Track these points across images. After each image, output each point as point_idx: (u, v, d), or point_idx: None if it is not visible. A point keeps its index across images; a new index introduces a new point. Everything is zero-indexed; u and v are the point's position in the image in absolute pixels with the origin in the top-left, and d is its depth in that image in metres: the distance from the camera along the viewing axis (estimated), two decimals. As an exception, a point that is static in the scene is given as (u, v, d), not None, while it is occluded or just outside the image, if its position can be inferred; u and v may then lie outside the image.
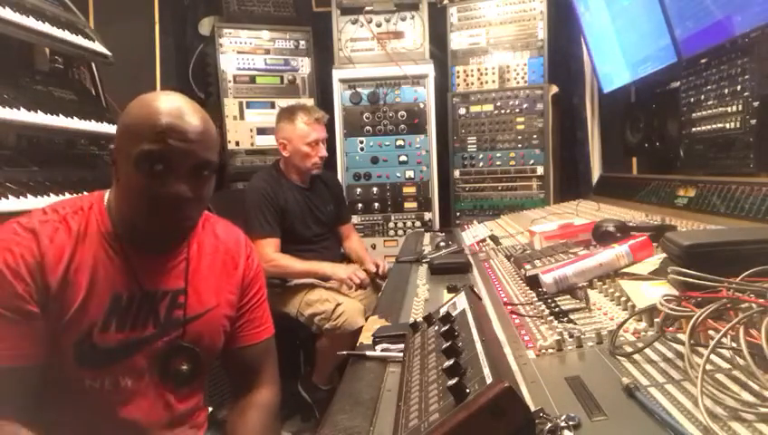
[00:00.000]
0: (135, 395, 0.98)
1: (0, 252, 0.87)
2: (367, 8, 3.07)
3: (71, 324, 0.91)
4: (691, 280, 0.83)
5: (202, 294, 1.06)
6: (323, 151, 2.37)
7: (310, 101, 3.20)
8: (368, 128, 3.12)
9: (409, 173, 3.12)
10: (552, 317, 0.98)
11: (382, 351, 0.95)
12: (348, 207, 2.84)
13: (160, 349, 1.00)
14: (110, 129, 1.96)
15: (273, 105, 3.19)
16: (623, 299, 0.98)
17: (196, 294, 1.05)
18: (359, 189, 3.10)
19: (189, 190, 0.92)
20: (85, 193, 1.67)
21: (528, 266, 1.29)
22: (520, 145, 3.00)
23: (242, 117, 3.18)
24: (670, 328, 0.77)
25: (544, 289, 1.13)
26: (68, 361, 0.92)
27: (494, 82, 3.03)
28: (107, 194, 1.02)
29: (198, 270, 1.06)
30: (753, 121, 1.58)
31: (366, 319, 1.80)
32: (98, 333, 0.93)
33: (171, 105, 0.92)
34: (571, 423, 0.58)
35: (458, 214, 3.12)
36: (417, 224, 3.07)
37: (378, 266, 2.39)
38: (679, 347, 0.73)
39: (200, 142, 0.92)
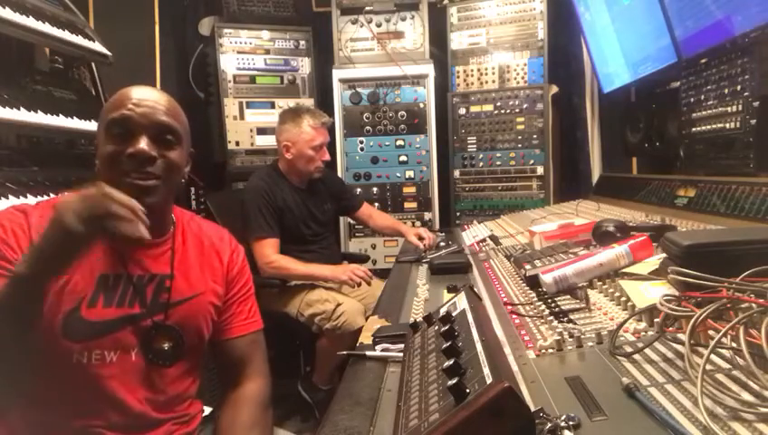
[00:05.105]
0: (121, 372, 1.00)
1: None
2: (367, 8, 3.07)
3: (59, 297, 0.95)
4: (691, 280, 0.83)
5: (189, 280, 1.11)
6: (327, 155, 2.37)
7: (310, 102, 3.20)
8: (368, 128, 3.12)
9: (409, 173, 3.13)
10: (552, 317, 0.97)
11: (382, 351, 0.95)
12: (353, 193, 2.83)
13: (146, 328, 1.04)
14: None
15: (273, 105, 3.20)
16: (623, 299, 0.98)
17: (182, 279, 1.10)
18: (359, 189, 3.10)
19: (152, 148, 0.99)
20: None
21: (528, 266, 1.28)
22: (520, 145, 3.00)
23: (242, 117, 3.18)
24: (670, 328, 0.77)
25: (544, 289, 1.13)
26: (56, 333, 0.95)
27: (494, 82, 3.04)
28: None
29: (184, 259, 1.12)
30: (753, 121, 1.58)
31: (366, 319, 1.80)
32: (86, 307, 0.98)
33: (138, 87, 1.03)
34: (571, 423, 0.58)
35: (458, 214, 3.12)
36: (418, 224, 3.07)
37: (422, 239, 2.22)
38: (679, 347, 0.73)
39: (160, 109, 1.01)
